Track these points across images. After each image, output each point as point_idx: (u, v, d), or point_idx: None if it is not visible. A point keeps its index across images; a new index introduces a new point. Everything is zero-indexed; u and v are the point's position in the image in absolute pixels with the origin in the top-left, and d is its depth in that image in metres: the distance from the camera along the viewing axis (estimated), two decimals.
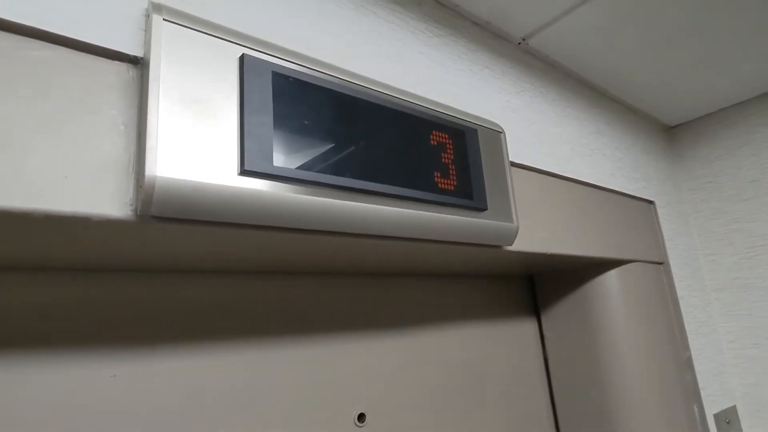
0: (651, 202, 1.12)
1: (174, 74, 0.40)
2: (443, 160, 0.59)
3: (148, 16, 0.41)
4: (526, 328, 1.02)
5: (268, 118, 0.44)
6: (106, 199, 0.37)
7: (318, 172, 0.46)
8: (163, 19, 0.40)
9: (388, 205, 0.52)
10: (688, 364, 1.03)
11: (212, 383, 0.58)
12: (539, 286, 1.06)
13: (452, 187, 0.58)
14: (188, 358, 0.57)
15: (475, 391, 0.86)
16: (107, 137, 0.38)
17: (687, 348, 1.04)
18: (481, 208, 0.61)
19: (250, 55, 0.44)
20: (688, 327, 1.07)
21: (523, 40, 0.87)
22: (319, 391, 0.66)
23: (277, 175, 0.43)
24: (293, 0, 0.55)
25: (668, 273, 1.08)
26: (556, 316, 1.01)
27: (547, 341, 1.02)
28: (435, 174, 0.57)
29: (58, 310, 0.50)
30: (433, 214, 0.56)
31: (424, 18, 0.71)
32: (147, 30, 0.41)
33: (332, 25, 0.58)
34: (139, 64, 0.42)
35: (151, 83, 0.38)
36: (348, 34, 0.60)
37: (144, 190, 0.36)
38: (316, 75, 0.49)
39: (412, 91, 0.64)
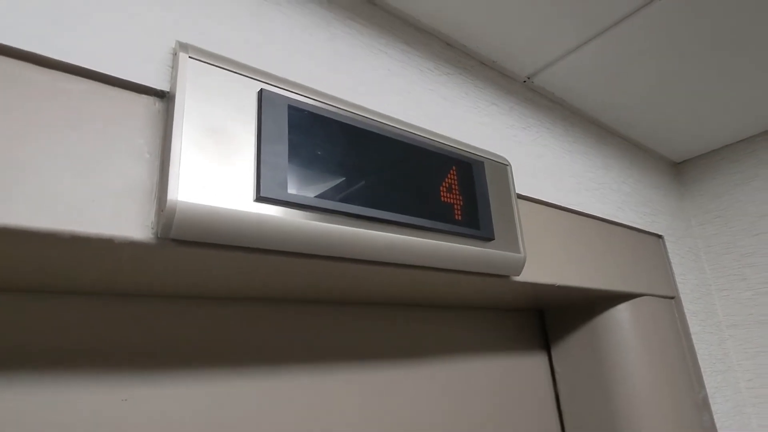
0: (660, 236, 1.12)
1: (197, 106, 0.42)
2: (451, 190, 0.60)
3: (174, 54, 0.45)
4: (537, 362, 1.01)
5: (284, 148, 0.46)
6: (128, 222, 0.39)
7: (330, 200, 0.48)
8: (189, 57, 0.44)
9: (398, 233, 0.53)
10: (704, 403, 1.00)
11: (225, 410, 0.58)
12: (549, 321, 1.05)
13: (460, 217, 0.60)
14: (201, 384, 0.57)
15: (483, 428, 0.84)
16: (133, 165, 0.41)
17: (703, 386, 1.02)
18: (488, 237, 0.62)
19: (268, 90, 0.47)
20: (703, 364, 1.04)
21: (528, 78, 0.90)
22: (325, 421, 0.66)
23: (291, 202, 0.45)
24: (309, 41, 0.59)
25: (680, 308, 1.07)
26: (567, 350, 1.00)
27: (558, 377, 1.00)
28: (443, 204, 0.58)
29: (72, 332, 0.51)
30: (442, 242, 0.57)
31: (432, 57, 0.74)
32: (174, 67, 0.44)
33: (346, 64, 0.62)
34: (165, 97, 0.44)
35: (176, 114, 0.41)
36: (360, 72, 0.63)
37: (165, 213, 0.38)
38: (329, 109, 0.52)
39: (422, 125, 0.67)
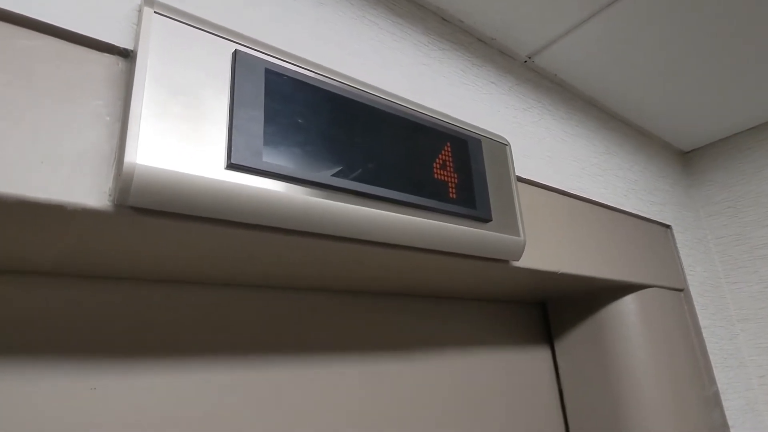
0: (668, 227, 1.07)
1: (162, 65, 0.39)
2: (445, 167, 0.56)
3: (140, 10, 0.41)
4: (540, 357, 0.97)
5: (259, 113, 0.42)
6: (83, 188, 0.35)
7: (310, 171, 0.44)
8: (155, 12, 0.40)
9: (385, 210, 0.49)
10: (715, 400, 0.96)
11: (197, 401, 0.54)
12: (552, 313, 1.01)
13: (454, 195, 0.56)
14: (173, 373, 0.54)
15: (484, 425, 0.80)
16: (90, 127, 0.37)
17: (713, 382, 0.97)
18: (485, 218, 0.58)
19: (243, 51, 0.44)
20: (714, 359, 1.00)
21: (529, 58, 0.86)
22: (311, 417, 0.62)
23: (266, 171, 0.41)
24: (294, 7, 0.55)
25: (689, 301, 1.02)
26: (571, 344, 0.96)
27: (561, 372, 0.96)
28: (436, 181, 0.55)
29: (34, 317, 0.48)
30: (434, 221, 0.53)
31: (427, 32, 0.70)
32: (138, 23, 0.41)
33: (332, 32, 0.58)
34: (129, 57, 0.41)
35: (138, 72, 0.37)
36: (348, 42, 0.59)
37: (123, 178, 0.35)
38: (310, 75, 0.48)
39: (415, 100, 0.63)
